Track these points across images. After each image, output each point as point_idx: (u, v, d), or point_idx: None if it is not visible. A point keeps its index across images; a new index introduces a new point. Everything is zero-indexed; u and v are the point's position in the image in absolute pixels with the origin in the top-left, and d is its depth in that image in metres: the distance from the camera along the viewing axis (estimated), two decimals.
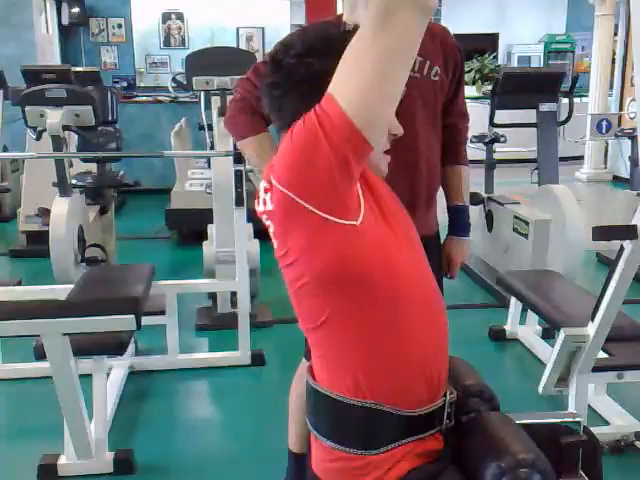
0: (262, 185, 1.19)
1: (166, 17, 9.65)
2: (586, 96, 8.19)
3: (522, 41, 11.67)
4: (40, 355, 2.35)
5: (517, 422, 1.32)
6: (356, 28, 1.19)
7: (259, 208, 1.20)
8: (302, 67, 1.18)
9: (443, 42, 1.96)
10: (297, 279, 1.19)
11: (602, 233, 2.14)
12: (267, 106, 1.27)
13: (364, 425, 1.22)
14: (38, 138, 3.97)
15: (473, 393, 1.36)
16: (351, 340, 1.20)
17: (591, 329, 2.36)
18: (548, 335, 3.49)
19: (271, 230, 1.20)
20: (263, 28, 9.36)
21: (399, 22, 1.02)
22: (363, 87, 1.05)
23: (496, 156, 4.86)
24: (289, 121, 1.19)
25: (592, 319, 2.36)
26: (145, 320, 2.36)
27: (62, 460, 2.47)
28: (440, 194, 2.10)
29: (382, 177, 1.32)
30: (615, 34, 8.05)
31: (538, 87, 4.20)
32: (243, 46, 9.06)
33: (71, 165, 4.51)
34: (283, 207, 1.14)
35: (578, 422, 1.40)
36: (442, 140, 2.04)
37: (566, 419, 1.41)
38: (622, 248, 2.17)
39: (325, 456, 1.28)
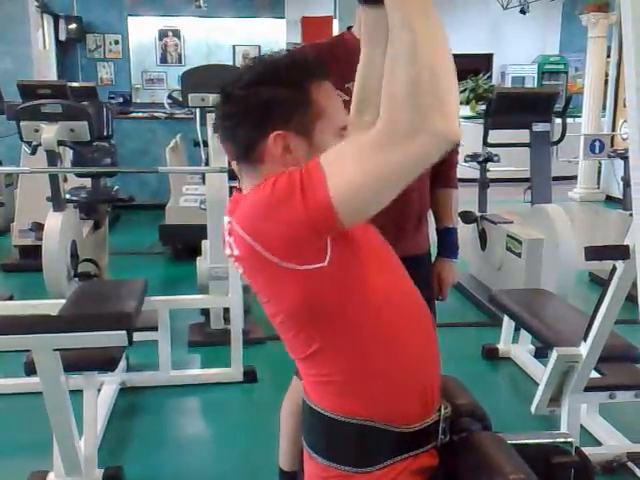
0: (225, 221, 1.20)
1: (163, 34, 9.72)
2: (579, 117, 8.26)
3: (516, 61, 11.77)
4: (30, 370, 2.33)
5: (509, 442, 1.31)
6: (304, 59, 1.23)
7: (227, 251, 1.21)
8: (252, 97, 1.17)
9: None
10: (274, 316, 1.21)
11: (595, 253, 2.15)
12: (220, 137, 1.26)
13: (358, 443, 1.22)
14: (33, 153, 3.98)
15: (465, 412, 1.36)
16: (340, 368, 1.20)
17: (584, 349, 2.36)
18: (541, 354, 3.47)
19: (240, 271, 1.21)
20: (259, 46, 9.43)
21: (418, 148, 0.98)
22: (358, 182, 1.03)
23: (490, 175, 4.88)
24: (244, 150, 1.20)
25: (585, 339, 2.36)
26: (137, 336, 2.34)
27: (51, 477, 2.44)
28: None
29: None
30: (608, 56, 8.13)
31: (531, 107, 4.23)
32: (239, 64, 9.11)
33: (65, 180, 4.51)
34: (245, 253, 1.14)
35: (570, 442, 1.40)
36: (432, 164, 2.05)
37: (558, 439, 1.41)
38: (614, 268, 2.17)
39: (319, 473, 1.27)
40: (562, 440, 1.40)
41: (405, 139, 0.98)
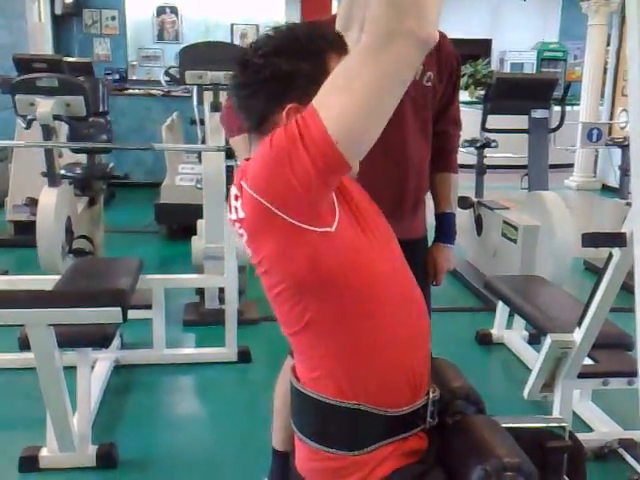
0: (232, 191, 1.19)
1: (160, 11, 9.62)
2: (577, 105, 8.24)
3: (515, 48, 11.73)
4: (24, 345, 2.33)
5: (503, 425, 1.32)
6: (324, 29, 1.20)
7: (231, 216, 1.19)
8: (269, 67, 1.16)
9: (439, 48, 1.94)
10: (273, 286, 1.19)
11: (591, 240, 2.15)
12: (235, 106, 1.25)
13: (348, 426, 1.22)
14: (28, 127, 3.94)
15: (459, 395, 1.36)
16: (331, 343, 1.20)
17: (578, 335, 2.37)
18: (534, 340, 3.50)
19: (244, 239, 1.19)
20: (257, 25, 9.35)
21: (396, 51, 1.00)
22: (349, 110, 1.03)
23: (487, 161, 4.88)
24: (257, 121, 1.19)
25: (579, 325, 2.37)
26: (131, 314, 2.34)
27: (44, 452, 2.45)
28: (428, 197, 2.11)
29: (355, 178, 1.30)
30: (607, 44, 8.09)
31: (531, 93, 4.21)
32: (237, 43, 9.03)
33: (60, 156, 4.47)
34: (255, 215, 1.13)
35: (563, 427, 1.41)
36: (433, 146, 2.04)
37: (552, 424, 1.42)
38: (611, 255, 2.18)
39: (309, 456, 1.27)
40: (556, 425, 1.41)
41: (383, 43, 1.00)
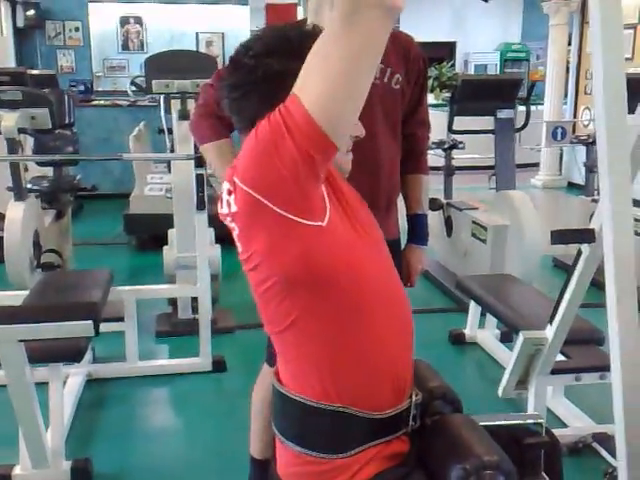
0: (225, 187, 1.18)
1: (124, 21, 9.54)
2: (541, 104, 8.36)
3: (479, 49, 11.87)
4: None
5: (480, 424, 1.33)
6: (315, 28, 1.20)
7: (222, 210, 1.19)
8: (261, 68, 1.17)
9: (406, 50, 1.96)
10: (262, 282, 1.18)
11: (561, 237, 2.17)
12: (226, 108, 1.25)
13: (331, 429, 1.22)
14: None
15: (436, 396, 1.37)
16: (317, 343, 1.20)
17: (549, 332, 2.39)
18: (507, 339, 3.53)
19: (235, 233, 1.19)
20: (223, 33, 9.32)
21: (365, 22, 1.00)
22: (327, 88, 1.04)
23: (455, 163, 4.92)
24: (249, 122, 1.18)
25: (550, 322, 2.39)
26: (103, 327, 2.31)
27: (17, 470, 2.40)
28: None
29: (345, 177, 1.31)
30: (569, 43, 8.23)
31: (496, 94, 4.26)
32: (203, 51, 8.99)
33: (26, 169, 4.41)
34: (247, 208, 1.13)
35: (540, 423, 1.42)
36: (403, 148, 2.05)
37: (528, 420, 1.43)
38: (580, 252, 2.21)
39: (291, 460, 1.27)
40: (532, 421, 1.43)
41: (351, 16, 1.00)
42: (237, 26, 8.98)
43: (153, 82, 3.92)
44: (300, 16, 7.65)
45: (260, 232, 1.14)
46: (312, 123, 1.04)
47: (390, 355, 1.25)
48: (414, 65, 1.97)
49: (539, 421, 1.43)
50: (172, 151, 4.13)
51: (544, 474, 1.42)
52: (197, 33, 9.45)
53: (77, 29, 9.13)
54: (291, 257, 1.13)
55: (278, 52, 1.17)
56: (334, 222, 1.16)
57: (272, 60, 1.17)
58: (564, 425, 2.75)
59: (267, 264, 1.16)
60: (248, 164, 1.12)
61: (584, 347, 2.70)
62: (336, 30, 1.03)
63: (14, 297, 3.01)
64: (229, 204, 1.16)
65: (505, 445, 1.28)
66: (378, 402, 1.23)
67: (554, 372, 2.52)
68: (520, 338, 2.43)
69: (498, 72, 11.44)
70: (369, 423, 1.22)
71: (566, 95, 8.38)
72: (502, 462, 1.20)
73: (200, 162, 3.24)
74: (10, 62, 8.26)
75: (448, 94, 4.95)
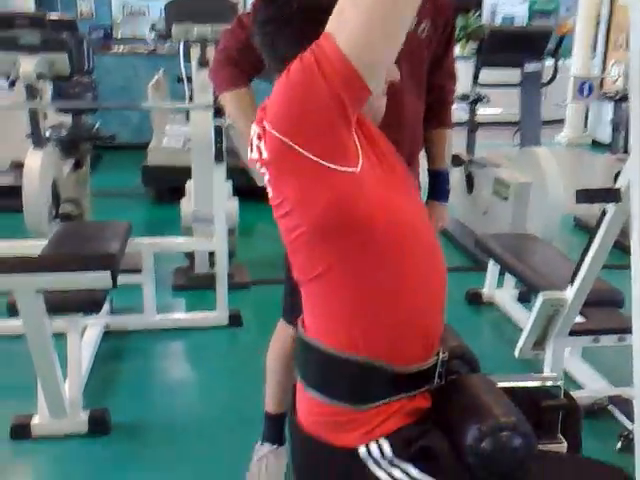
0: (254, 130, 1.14)
1: None
2: (569, 58, 8.13)
3: (506, 1, 11.53)
4: (13, 312, 2.30)
5: (498, 385, 1.31)
6: None
7: (252, 155, 1.15)
8: (295, 1, 1.12)
9: None
10: (293, 229, 1.15)
11: (586, 196, 2.12)
12: (259, 44, 1.20)
13: (356, 380, 1.20)
14: (11, 86, 3.83)
15: (454, 355, 1.35)
16: (348, 293, 1.17)
17: (569, 293, 2.36)
18: (524, 299, 3.50)
19: (266, 178, 1.16)
20: None
21: None
22: (364, 26, 0.98)
23: (478, 118, 4.81)
24: (281, 60, 1.13)
25: (571, 283, 2.36)
26: (121, 279, 2.31)
27: (36, 420, 2.44)
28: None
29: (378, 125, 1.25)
30: None
31: (524, 46, 4.14)
32: None
33: (45, 117, 4.38)
34: (278, 154, 1.09)
35: (559, 386, 1.40)
36: (427, 100, 1.98)
37: (547, 382, 1.41)
38: (605, 212, 2.15)
39: (313, 409, 1.25)
40: (551, 383, 1.41)
41: None
42: None
43: (173, 27, 3.84)
44: None
45: (292, 179, 1.10)
46: (346, 62, 0.99)
47: (424, 308, 1.22)
48: (441, 12, 1.88)
49: (558, 383, 1.41)
50: (191, 101, 4.07)
51: (561, 436, 1.40)
52: None
53: None
54: (324, 204, 1.09)
55: None
56: (367, 168, 1.11)
57: None
58: (580, 387, 2.74)
59: (299, 211, 1.13)
60: (279, 107, 1.07)
61: (603, 309, 2.66)
62: None
63: (32, 246, 3.02)
64: (259, 150, 1.12)
65: (523, 406, 1.26)
66: (406, 356, 1.21)
67: (572, 333, 2.50)
68: (539, 298, 2.40)
69: (525, 24, 11.12)
70: (394, 377, 1.20)
71: (595, 49, 8.14)
72: (519, 423, 1.17)
73: (219, 112, 3.18)
74: (29, 6, 8.16)
75: (474, 45, 4.81)
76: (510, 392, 1.29)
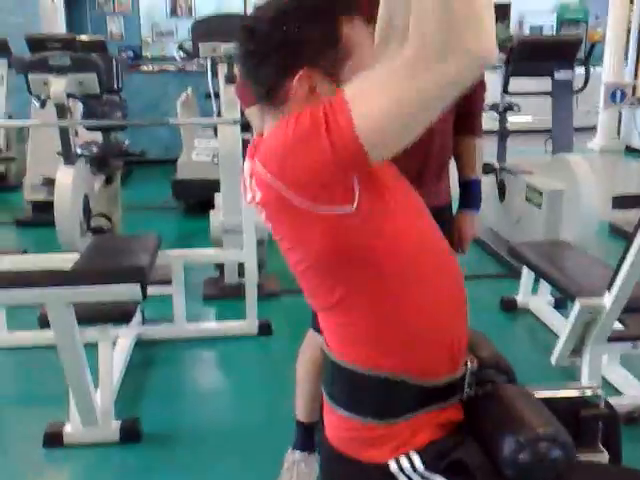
0: (246, 166, 1.14)
1: None
2: (599, 66, 8.02)
3: (534, 10, 11.45)
4: (44, 324, 2.32)
5: (535, 395, 1.27)
6: None
7: (247, 194, 1.15)
8: (277, 33, 1.09)
9: None
10: (298, 263, 1.15)
11: (622, 202, 2.08)
12: (243, 76, 1.19)
13: (382, 396, 1.18)
14: (42, 106, 3.91)
15: (489, 364, 1.31)
16: (364, 319, 1.15)
17: (607, 299, 2.30)
18: (560, 305, 3.44)
19: (263, 216, 1.15)
20: None
21: (447, 71, 0.91)
22: (385, 115, 0.97)
23: (509, 126, 4.76)
24: (268, 90, 1.12)
25: (609, 289, 2.30)
26: (152, 290, 2.33)
27: (68, 428, 2.46)
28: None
29: None
30: (631, 1, 7.85)
31: (554, 54, 4.10)
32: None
33: (76, 134, 4.45)
34: (270, 195, 1.08)
35: (598, 395, 1.35)
36: (457, 109, 1.95)
37: (586, 391, 1.37)
38: None
39: (340, 425, 1.23)
40: (590, 392, 1.36)
41: (436, 59, 0.91)
42: None
43: (200, 46, 3.89)
44: None
45: (286, 220, 1.10)
46: (355, 138, 0.97)
47: (443, 323, 1.19)
48: None
49: (597, 392, 1.36)
50: (219, 115, 4.10)
51: (602, 446, 1.35)
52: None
53: None
54: (321, 244, 1.09)
55: (295, 16, 1.09)
56: (365, 201, 1.08)
57: (289, 25, 1.08)
58: (618, 393, 2.66)
59: (299, 249, 1.13)
60: (275, 152, 1.06)
61: None
62: (411, 68, 0.93)
63: (65, 260, 3.05)
64: (253, 190, 1.12)
65: (561, 417, 1.22)
66: (432, 369, 1.18)
67: (610, 340, 2.44)
68: (576, 305, 2.34)
69: (554, 34, 11.03)
70: (422, 390, 1.17)
71: (626, 56, 8.03)
72: (558, 434, 1.13)
73: (246, 126, 3.20)
74: (60, 29, 8.33)
75: (501, 55, 4.78)
76: (548, 402, 1.25)
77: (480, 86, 2.03)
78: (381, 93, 0.97)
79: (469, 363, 1.23)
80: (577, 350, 2.42)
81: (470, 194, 2.08)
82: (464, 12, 0.89)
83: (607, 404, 1.37)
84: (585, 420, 1.33)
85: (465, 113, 1.99)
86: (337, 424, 1.24)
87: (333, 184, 1.04)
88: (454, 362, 1.21)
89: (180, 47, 6.19)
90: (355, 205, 1.06)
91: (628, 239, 2.27)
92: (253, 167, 1.11)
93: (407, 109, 0.96)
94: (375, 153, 1.00)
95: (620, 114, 7.92)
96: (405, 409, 1.18)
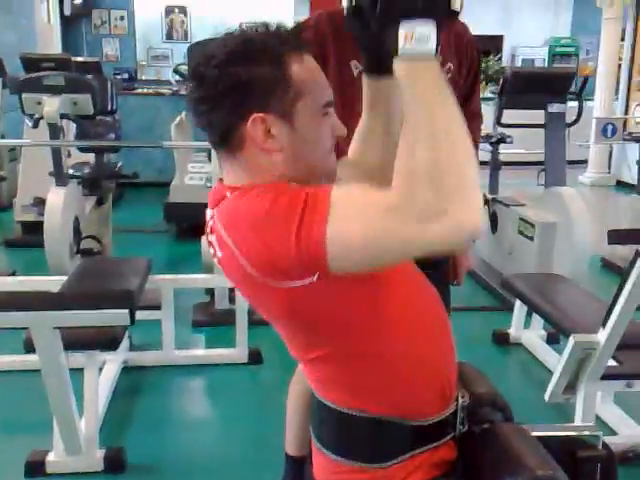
0: (207, 213, 1.13)
1: (169, 10, 9.59)
2: (591, 100, 8.11)
3: (526, 43, 11.61)
4: (29, 348, 2.27)
5: (532, 434, 1.24)
6: (280, 27, 1.12)
7: (210, 250, 1.13)
8: (225, 77, 1.06)
9: (459, 38, 1.86)
10: (268, 320, 1.14)
11: (619, 237, 2.07)
12: (195, 123, 1.16)
13: (372, 438, 1.15)
14: (35, 126, 3.89)
15: (486, 402, 1.28)
16: (349, 370, 1.13)
17: (602, 336, 2.28)
18: (553, 340, 3.41)
19: (224, 273, 1.13)
20: (266, 22, 9.28)
21: (433, 230, 0.90)
22: (356, 243, 0.95)
23: (501, 158, 4.78)
24: (221, 136, 1.10)
25: (603, 325, 2.28)
26: (140, 315, 2.28)
27: (51, 457, 2.39)
28: None
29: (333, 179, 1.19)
30: (622, 38, 7.96)
31: (547, 87, 4.12)
32: None
33: (69, 155, 4.43)
34: (227, 256, 1.06)
35: (596, 435, 1.32)
36: None
37: (584, 432, 1.34)
38: (638, 252, 2.09)
39: (328, 467, 1.20)
40: (588, 433, 1.33)
41: (421, 221, 0.90)
42: (280, 15, 8.94)
43: None
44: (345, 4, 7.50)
45: (242, 285, 1.10)
46: (322, 247, 0.95)
47: (433, 367, 1.17)
48: (467, 53, 1.87)
49: (595, 433, 1.33)
50: None
51: None
52: (240, 23, 9.42)
53: (122, 18, 9.21)
54: (280, 313, 1.09)
55: (242, 58, 1.06)
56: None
57: (236, 68, 1.06)
58: (613, 433, 2.63)
59: (262, 312, 1.12)
60: (239, 220, 1.04)
61: (636, 352, 2.57)
62: (393, 213, 0.92)
63: (54, 282, 3.00)
64: (213, 246, 1.11)
65: (558, 457, 1.19)
66: (422, 410, 1.16)
67: (604, 377, 2.41)
68: (571, 341, 2.32)
69: (546, 66, 11.16)
70: (413, 430, 1.14)
71: (617, 92, 8.12)
72: (556, 476, 1.11)
73: None
74: (56, 49, 8.35)
75: (493, 87, 4.80)
76: (545, 442, 1.23)
77: (476, 118, 2.03)
78: (359, 222, 0.95)
79: (460, 399, 1.20)
80: (571, 387, 2.40)
81: None
82: (455, 181, 0.90)
83: (605, 445, 1.34)
84: (583, 461, 1.30)
85: None
86: (325, 466, 1.21)
87: (291, 270, 1.01)
88: (445, 399, 1.18)
89: (176, 70, 6.22)
90: (316, 276, 1.01)
91: (623, 275, 2.25)
92: (213, 224, 1.09)
93: (377, 249, 0.96)
94: (336, 266, 0.98)
95: (611, 148, 7.98)
96: (397, 451, 1.14)
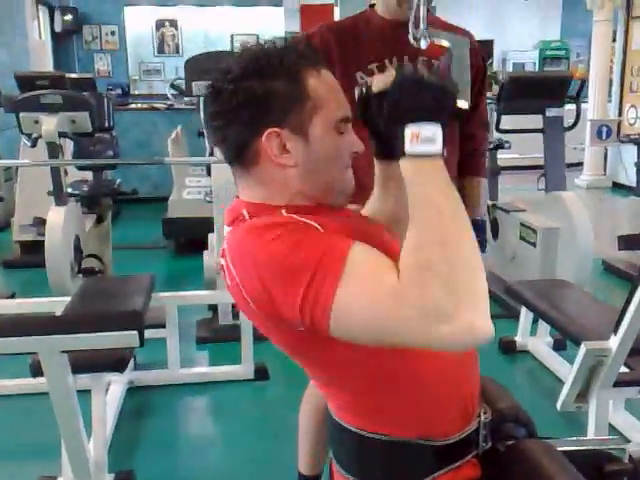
0: (226, 230, 1.14)
1: (160, 24, 9.59)
2: (585, 102, 8.13)
3: (517, 47, 11.65)
4: (36, 372, 2.24)
5: (558, 449, 1.23)
6: (294, 41, 1.12)
7: (221, 262, 1.13)
8: (241, 92, 1.06)
9: None
10: (278, 344, 1.13)
11: (628, 242, 2.04)
12: (211, 138, 1.16)
13: (393, 460, 1.13)
14: (33, 145, 3.86)
15: (509, 417, 1.27)
16: (363, 391, 1.11)
17: (614, 342, 2.26)
18: (559, 346, 3.39)
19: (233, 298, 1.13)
20: (257, 35, 9.30)
21: (442, 331, 0.88)
22: (358, 321, 0.94)
23: (500, 163, 4.77)
24: (236, 151, 1.09)
25: (615, 332, 2.26)
26: (145, 333, 2.25)
27: None
28: None
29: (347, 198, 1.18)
30: (613, 40, 7.99)
31: (545, 92, 4.11)
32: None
33: (66, 173, 4.39)
34: (235, 293, 1.07)
35: (622, 449, 1.31)
36: (461, 149, 1.94)
37: (609, 445, 1.33)
38: None
39: None
40: (614, 446, 1.32)
41: (430, 319, 0.87)
42: (271, 28, 8.94)
43: (193, 84, 3.88)
44: (337, 17, 7.53)
45: (250, 318, 1.11)
46: (325, 314, 0.94)
47: (454, 382, 1.15)
48: (473, 62, 1.85)
49: (621, 446, 1.32)
50: (211, 154, 4.08)
51: None
52: (232, 35, 9.44)
53: (113, 33, 9.21)
54: (285, 342, 1.09)
55: (258, 72, 1.06)
56: None
57: (252, 82, 1.05)
58: (625, 439, 2.60)
59: (272, 337, 1.12)
60: (247, 260, 1.02)
61: None
62: (400, 304, 0.89)
63: (55, 303, 2.97)
64: (224, 271, 1.10)
65: (585, 471, 1.18)
66: (444, 429, 1.14)
67: (616, 384, 2.39)
68: (582, 349, 2.30)
69: (537, 70, 11.20)
70: (435, 450, 1.12)
71: (610, 93, 8.15)
72: None
73: None
74: (48, 66, 8.35)
75: (489, 93, 4.79)
76: (571, 457, 1.21)
77: (483, 126, 2.02)
78: (367, 300, 0.93)
79: (482, 415, 1.19)
80: (583, 395, 2.37)
81: (476, 235, 2.04)
82: (467, 286, 0.89)
83: (631, 459, 1.33)
84: (610, 475, 1.29)
85: (469, 154, 1.97)
86: None
87: (293, 323, 1.00)
88: (466, 418, 1.16)
89: (172, 85, 6.21)
90: None
91: (634, 281, 2.24)
92: (225, 249, 1.09)
93: (379, 333, 0.94)
94: (337, 333, 0.96)
95: (606, 150, 8.00)
96: (418, 472, 1.13)
